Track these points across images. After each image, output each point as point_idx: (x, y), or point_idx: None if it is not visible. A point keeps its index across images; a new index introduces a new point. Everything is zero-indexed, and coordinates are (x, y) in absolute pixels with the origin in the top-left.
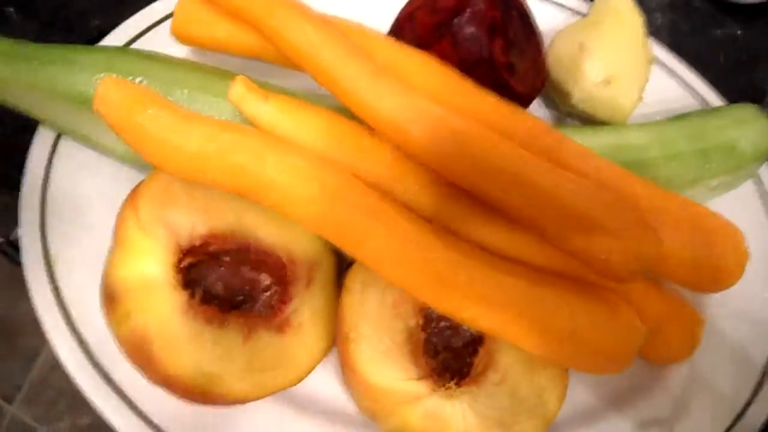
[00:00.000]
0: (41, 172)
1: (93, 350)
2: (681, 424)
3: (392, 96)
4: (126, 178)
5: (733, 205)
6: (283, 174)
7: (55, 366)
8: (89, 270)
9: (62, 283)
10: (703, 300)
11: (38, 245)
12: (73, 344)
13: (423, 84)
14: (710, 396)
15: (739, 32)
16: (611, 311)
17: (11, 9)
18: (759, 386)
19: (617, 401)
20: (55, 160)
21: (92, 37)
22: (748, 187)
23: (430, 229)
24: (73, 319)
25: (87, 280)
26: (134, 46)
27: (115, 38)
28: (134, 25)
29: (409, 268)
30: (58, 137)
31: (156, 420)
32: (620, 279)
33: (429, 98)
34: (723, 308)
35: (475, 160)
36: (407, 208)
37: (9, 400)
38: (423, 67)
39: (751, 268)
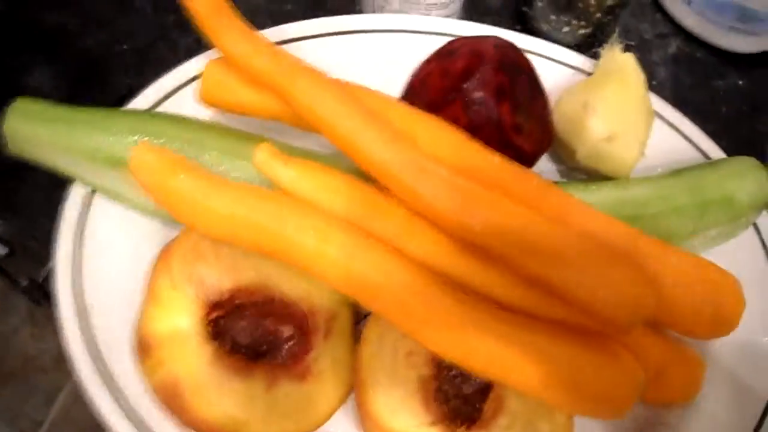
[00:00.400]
0: (74, 222)
1: (129, 399)
2: None
3: (404, 159)
4: (155, 231)
5: (734, 253)
6: (303, 235)
7: (77, 401)
8: (121, 320)
9: (97, 332)
10: (705, 344)
11: (70, 293)
12: (106, 392)
13: (433, 146)
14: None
15: (740, 82)
16: (612, 359)
17: (42, 65)
18: (760, 424)
19: None
20: (90, 212)
21: (122, 95)
22: (748, 235)
23: (442, 283)
24: (109, 368)
25: (120, 330)
26: (162, 106)
27: (144, 99)
28: (161, 87)
29: (420, 321)
30: (93, 191)
31: None
32: (620, 331)
33: (439, 160)
34: (726, 348)
35: (482, 220)
36: (419, 264)
37: None
38: (434, 131)
39: (752, 312)
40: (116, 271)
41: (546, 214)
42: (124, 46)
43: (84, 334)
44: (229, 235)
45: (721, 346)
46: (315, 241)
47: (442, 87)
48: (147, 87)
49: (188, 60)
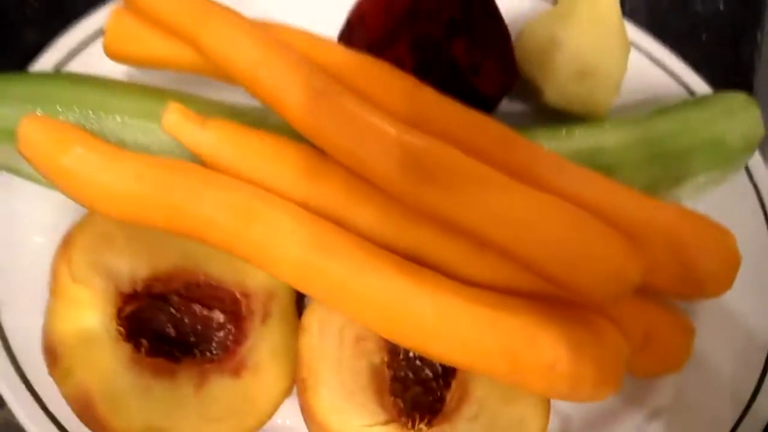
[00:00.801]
0: None
1: (45, 400)
2: (687, 421)
3: (338, 115)
4: (73, 209)
5: (724, 200)
6: (222, 213)
7: None
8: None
9: (10, 334)
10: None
11: None
12: (25, 393)
13: (377, 96)
14: (716, 391)
15: (721, 7)
16: (594, 336)
17: None
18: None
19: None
20: None
21: (26, 53)
22: (740, 180)
23: (390, 258)
24: (24, 369)
25: (35, 330)
26: (70, 65)
27: (49, 58)
28: (68, 43)
29: (368, 304)
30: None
31: None
32: (602, 304)
33: (384, 112)
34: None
35: (434, 182)
36: (364, 237)
37: None
38: (376, 77)
39: (747, 268)
40: (29, 262)
41: (510, 170)
42: None
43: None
44: (135, 217)
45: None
46: (237, 219)
47: (383, 25)
48: (51, 44)
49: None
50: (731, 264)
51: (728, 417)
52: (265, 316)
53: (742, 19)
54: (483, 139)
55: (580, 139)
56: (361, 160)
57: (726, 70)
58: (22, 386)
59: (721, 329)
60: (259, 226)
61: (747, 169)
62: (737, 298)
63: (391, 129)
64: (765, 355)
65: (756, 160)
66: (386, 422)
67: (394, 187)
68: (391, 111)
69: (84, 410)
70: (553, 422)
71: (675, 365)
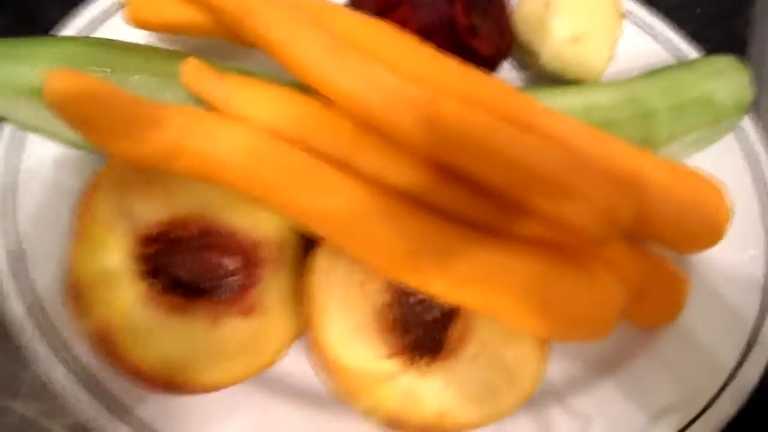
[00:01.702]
0: (4, 166)
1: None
2: (672, 388)
3: (349, 69)
4: (90, 166)
5: (715, 159)
6: (238, 155)
7: None
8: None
9: (36, 278)
10: (689, 260)
11: (4, 240)
12: (49, 347)
13: (382, 53)
14: (700, 358)
15: None
16: (588, 277)
17: None
18: (749, 346)
19: (603, 367)
20: (21, 153)
21: (53, 28)
22: (730, 140)
23: (394, 201)
24: (51, 318)
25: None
26: (95, 34)
27: (74, 28)
28: (90, 14)
29: (374, 243)
30: (22, 130)
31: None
32: (597, 241)
33: (388, 68)
34: (709, 267)
35: (436, 129)
36: (372, 182)
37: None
38: (381, 36)
39: (735, 224)
40: (53, 212)
41: (508, 121)
42: None
43: (21, 283)
44: (158, 162)
45: (706, 263)
46: (252, 161)
47: None
48: (72, 16)
49: None
50: (721, 216)
51: (711, 386)
52: (276, 264)
53: None
54: (482, 93)
55: (573, 97)
56: (367, 108)
57: (719, 44)
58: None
59: (706, 295)
60: (270, 167)
61: (739, 131)
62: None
63: (395, 81)
64: (752, 322)
65: (747, 124)
66: (391, 356)
67: (397, 134)
68: (394, 67)
69: (102, 345)
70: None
71: (669, 316)
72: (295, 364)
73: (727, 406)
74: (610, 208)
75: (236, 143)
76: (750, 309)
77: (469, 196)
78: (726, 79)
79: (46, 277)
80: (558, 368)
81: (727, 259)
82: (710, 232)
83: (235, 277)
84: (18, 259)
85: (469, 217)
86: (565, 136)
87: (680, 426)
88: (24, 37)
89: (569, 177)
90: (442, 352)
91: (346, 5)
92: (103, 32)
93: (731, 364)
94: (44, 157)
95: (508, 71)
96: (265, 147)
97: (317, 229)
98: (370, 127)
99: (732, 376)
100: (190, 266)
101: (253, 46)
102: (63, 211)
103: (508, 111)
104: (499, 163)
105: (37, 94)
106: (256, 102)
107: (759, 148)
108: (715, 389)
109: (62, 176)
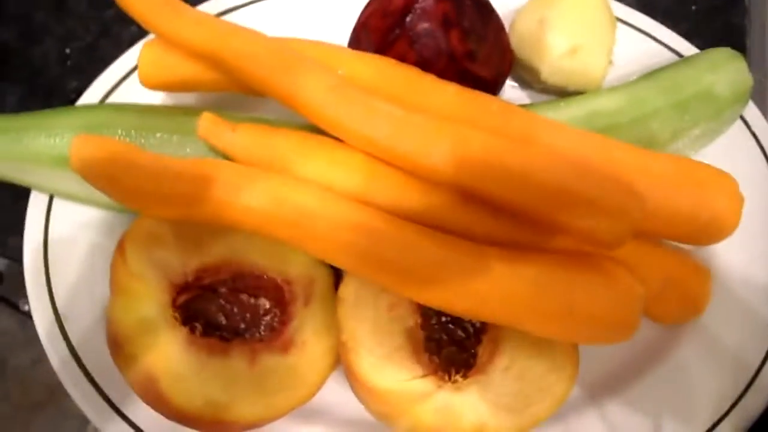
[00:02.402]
0: (40, 237)
1: (112, 398)
2: (696, 389)
3: (352, 105)
4: (120, 225)
5: (727, 151)
6: (257, 200)
7: None
8: (98, 321)
9: (74, 339)
10: (709, 257)
11: (48, 307)
12: (92, 394)
13: (384, 87)
14: (723, 358)
15: None
16: (607, 279)
17: None
18: None
19: (628, 374)
20: (51, 219)
21: (71, 98)
22: (738, 130)
23: (412, 228)
24: (91, 373)
25: (97, 331)
26: (111, 99)
27: (91, 95)
28: (107, 80)
29: (396, 271)
30: (51, 199)
31: None
32: (610, 246)
33: (393, 101)
34: (729, 264)
35: (442, 153)
36: (386, 211)
37: None
38: (383, 72)
39: (751, 214)
40: (85, 272)
41: (512, 138)
42: (67, 50)
43: (62, 344)
44: (181, 214)
45: (726, 264)
46: (271, 205)
47: (384, 27)
48: (91, 85)
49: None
50: (734, 206)
51: (733, 389)
52: (307, 300)
53: None
54: (484, 114)
55: (576, 107)
56: (374, 142)
57: (717, 37)
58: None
59: (727, 296)
60: (289, 209)
61: (745, 121)
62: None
63: (398, 111)
64: None
65: (753, 113)
66: (424, 375)
67: (405, 162)
68: (397, 99)
69: (148, 392)
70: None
71: (695, 310)
72: (335, 394)
73: (753, 406)
74: (619, 211)
75: (255, 190)
76: None
77: (481, 215)
78: (724, 70)
79: (87, 336)
80: (588, 373)
81: (745, 254)
82: (723, 222)
83: (269, 316)
84: (58, 322)
85: (484, 234)
86: (568, 145)
87: (706, 427)
88: (41, 108)
89: (576, 185)
90: (474, 368)
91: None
92: (118, 96)
93: (756, 363)
94: (75, 221)
95: (512, 90)
96: (282, 190)
97: (340, 263)
98: (381, 159)
99: (756, 375)
100: (225, 309)
101: (262, 94)
102: (98, 270)
103: (513, 128)
104: (506, 179)
105: (66, 162)
106: (270, 148)
107: (766, 131)
108: (740, 389)
109: (94, 237)
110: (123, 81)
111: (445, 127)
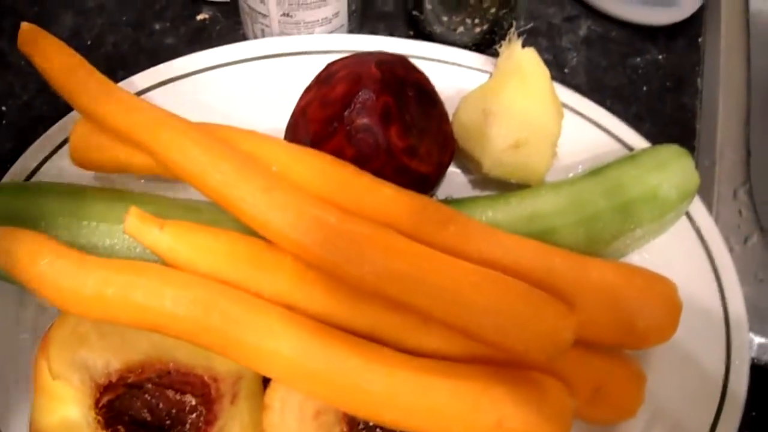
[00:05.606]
0: None
1: None
2: None
3: (283, 208)
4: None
5: (668, 246)
6: (182, 307)
7: None
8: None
9: None
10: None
11: None
12: None
13: (319, 187)
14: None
15: (660, 57)
16: (538, 392)
17: None
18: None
19: None
20: None
21: (5, 161)
22: (682, 225)
23: (339, 337)
24: None
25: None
26: (44, 167)
27: (22, 164)
28: (38, 150)
29: (322, 381)
30: None
31: None
32: (540, 364)
33: (323, 201)
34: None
35: (371, 265)
36: (314, 319)
37: None
38: (317, 170)
39: (690, 311)
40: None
41: (445, 247)
42: (3, 108)
43: None
44: (104, 316)
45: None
46: (197, 312)
47: (323, 117)
48: (23, 153)
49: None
50: (672, 312)
51: None
52: (234, 398)
53: (681, 68)
54: (417, 220)
55: (516, 206)
56: (305, 248)
57: (669, 119)
58: None
59: (673, 372)
60: (216, 317)
61: (688, 215)
62: (687, 339)
63: (330, 218)
64: (719, 395)
65: (699, 208)
66: None
67: (334, 271)
68: (329, 200)
69: None
70: None
71: (628, 412)
72: None
73: None
74: (550, 330)
75: (178, 295)
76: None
77: (412, 325)
78: (670, 170)
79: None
80: None
81: (689, 345)
82: (660, 329)
83: (195, 414)
84: None
85: (415, 345)
86: (506, 256)
87: None
88: None
89: (506, 305)
90: None
91: (286, 133)
92: (54, 164)
93: None
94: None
95: (454, 175)
96: (206, 296)
97: (264, 372)
98: (308, 264)
99: None
100: (150, 404)
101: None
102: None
103: (447, 235)
104: (435, 295)
105: None
106: (198, 249)
107: (710, 227)
108: None
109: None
110: (55, 152)
111: (378, 236)
